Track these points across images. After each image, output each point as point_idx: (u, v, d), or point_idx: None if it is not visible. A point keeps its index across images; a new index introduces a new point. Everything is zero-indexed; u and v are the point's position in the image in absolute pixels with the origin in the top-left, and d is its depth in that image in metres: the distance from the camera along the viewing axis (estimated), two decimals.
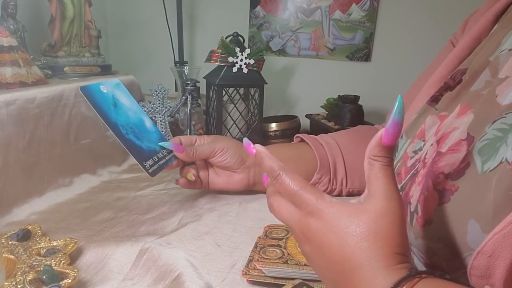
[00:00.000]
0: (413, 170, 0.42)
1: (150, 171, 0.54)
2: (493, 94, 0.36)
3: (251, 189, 0.65)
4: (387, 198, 0.31)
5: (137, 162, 0.53)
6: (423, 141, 0.44)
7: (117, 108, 0.55)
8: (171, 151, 0.59)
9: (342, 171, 0.64)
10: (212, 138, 0.63)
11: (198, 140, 0.62)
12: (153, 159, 0.55)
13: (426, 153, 0.41)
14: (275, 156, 0.65)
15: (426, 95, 0.48)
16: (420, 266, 0.42)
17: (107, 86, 0.55)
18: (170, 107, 0.92)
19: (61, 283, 0.37)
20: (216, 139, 0.63)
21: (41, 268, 0.38)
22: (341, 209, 0.32)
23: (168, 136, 0.92)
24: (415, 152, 0.44)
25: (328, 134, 0.71)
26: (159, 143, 0.57)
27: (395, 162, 0.47)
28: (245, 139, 0.42)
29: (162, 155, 0.57)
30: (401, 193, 0.42)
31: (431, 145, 0.41)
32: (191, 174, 0.60)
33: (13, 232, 0.46)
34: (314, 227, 0.32)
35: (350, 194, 0.66)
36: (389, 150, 0.32)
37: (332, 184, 0.64)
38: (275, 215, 0.38)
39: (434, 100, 0.46)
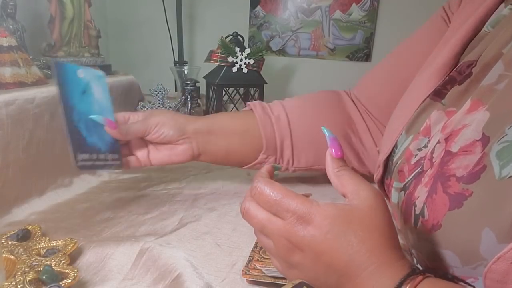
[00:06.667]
0: (418, 169, 0.40)
1: (78, 164, 0.51)
2: (511, 90, 0.33)
3: (197, 160, 0.62)
4: (373, 193, 0.32)
5: (71, 150, 0.50)
6: (429, 137, 0.41)
7: (84, 96, 0.52)
8: (117, 158, 0.56)
9: (288, 151, 0.63)
10: (146, 114, 0.59)
11: (132, 116, 0.59)
12: (90, 155, 0.52)
13: (433, 152, 0.39)
14: (220, 127, 0.61)
15: (428, 87, 0.45)
16: None
17: (87, 73, 0.53)
18: (169, 107, 0.92)
19: (61, 283, 0.37)
20: (150, 115, 0.58)
21: (41, 268, 0.38)
22: (335, 211, 0.31)
23: None
24: (420, 149, 0.42)
25: (284, 102, 0.67)
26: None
27: (395, 159, 0.45)
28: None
29: (103, 158, 0.54)
30: (403, 192, 0.41)
31: (438, 142, 0.38)
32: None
33: (13, 232, 0.46)
34: (308, 234, 0.31)
35: (295, 172, 0.66)
36: (343, 160, 0.36)
37: (278, 163, 0.64)
38: (250, 221, 0.36)
39: (438, 94, 0.44)
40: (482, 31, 0.43)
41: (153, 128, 0.56)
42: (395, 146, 0.47)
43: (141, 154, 0.58)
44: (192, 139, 0.59)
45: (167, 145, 0.59)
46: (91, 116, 0.53)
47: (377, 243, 0.30)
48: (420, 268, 0.31)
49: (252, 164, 0.63)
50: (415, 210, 0.38)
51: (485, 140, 0.33)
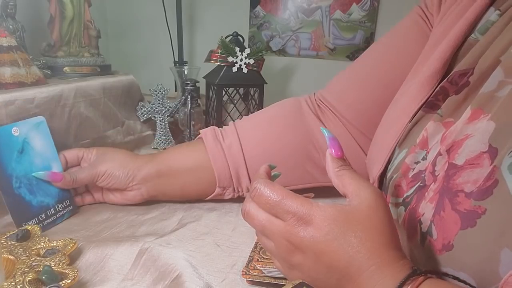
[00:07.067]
0: (419, 183, 0.38)
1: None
2: None
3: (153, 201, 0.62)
4: (373, 193, 0.32)
5: (14, 223, 0.49)
6: (426, 150, 0.40)
7: (22, 155, 0.52)
8: (69, 204, 0.57)
9: (246, 179, 0.60)
10: (95, 159, 0.58)
11: (85, 154, 0.59)
12: (38, 219, 0.52)
13: (435, 164, 0.37)
14: (170, 168, 0.60)
15: (418, 99, 0.43)
16: None
17: (22, 127, 0.53)
18: (169, 107, 0.92)
19: (60, 283, 0.37)
20: (98, 160, 0.58)
21: (41, 269, 0.38)
22: (334, 212, 0.31)
23: (168, 136, 0.92)
24: (417, 162, 0.40)
25: (239, 124, 0.64)
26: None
27: (390, 174, 0.44)
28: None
29: (53, 212, 0.54)
30: (403, 207, 0.39)
31: (440, 154, 0.36)
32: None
33: (12, 233, 0.46)
34: (308, 235, 0.31)
35: None
36: (344, 159, 0.36)
37: (238, 192, 0.61)
38: (251, 222, 0.36)
39: (430, 106, 0.42)
40: (470, 38, 0.42)
41: (101, 177, 0.57)
42: (388, 162, 0.45)
43: (96, 194, 0.61)
44: (141, 185, 0.58)
45: (118, 189, 0.59)
46: (33, 174, 0.53)
47: (377, 244, 0.30)
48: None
49: (211, 196, 0.61)
50: (421, 228, 0.36)
51: (493, 152, 0.31)
